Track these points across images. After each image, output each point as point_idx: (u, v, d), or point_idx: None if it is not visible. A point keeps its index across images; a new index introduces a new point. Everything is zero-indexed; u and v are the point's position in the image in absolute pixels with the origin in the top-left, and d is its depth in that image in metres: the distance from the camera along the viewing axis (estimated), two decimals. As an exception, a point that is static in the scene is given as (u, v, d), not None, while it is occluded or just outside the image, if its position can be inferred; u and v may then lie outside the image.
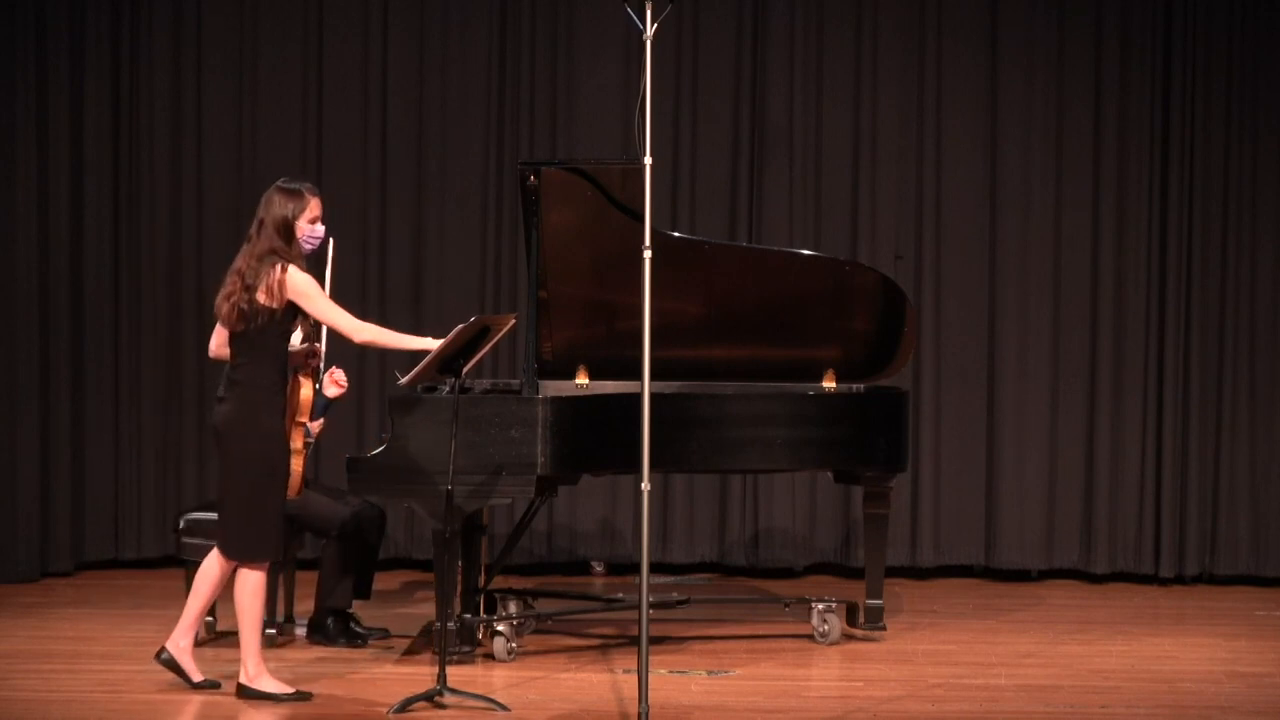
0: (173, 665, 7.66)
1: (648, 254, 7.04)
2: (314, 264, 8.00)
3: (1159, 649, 8.76)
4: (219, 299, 7.49)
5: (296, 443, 7.52)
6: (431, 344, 7.61)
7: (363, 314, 10.24)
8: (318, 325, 7.83)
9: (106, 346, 10.36)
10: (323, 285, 7.86)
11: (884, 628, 8.81)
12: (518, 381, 8.66)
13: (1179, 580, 10.38)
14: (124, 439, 10.40)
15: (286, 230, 7.45)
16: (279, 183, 7.57)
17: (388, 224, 10.52)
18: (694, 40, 10.48)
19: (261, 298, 7.38)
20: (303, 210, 7.49)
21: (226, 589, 7.70)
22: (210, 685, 7.66)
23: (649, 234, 7.03)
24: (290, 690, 7.55)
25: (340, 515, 8.56)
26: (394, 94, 10.49)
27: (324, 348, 7.88)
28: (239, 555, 7.52)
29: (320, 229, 7.57)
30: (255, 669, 7.55)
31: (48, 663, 8.20)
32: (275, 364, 7.48)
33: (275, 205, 7.47)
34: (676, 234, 8.97)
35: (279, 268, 7.39)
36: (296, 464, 7.52)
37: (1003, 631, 9.14)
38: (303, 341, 7.77)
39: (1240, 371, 10.39)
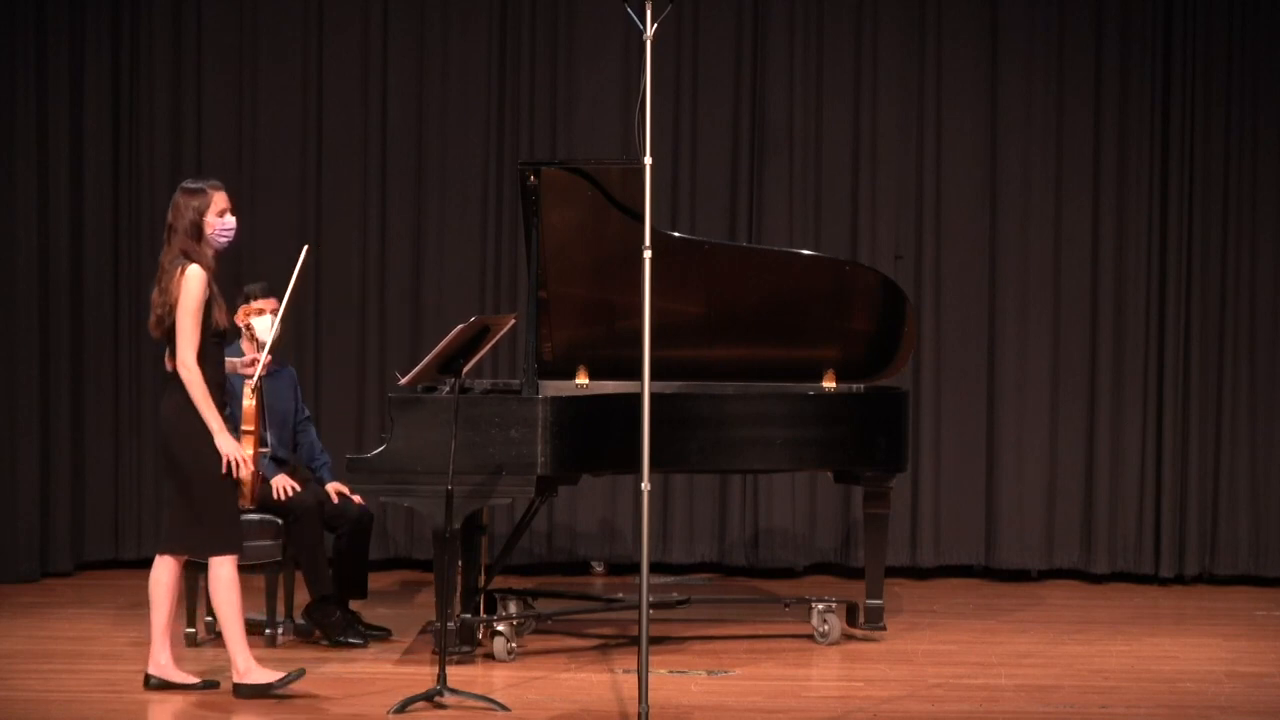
0: (164, 685, 7.63)
1: (648, 254, 7.03)
2: (284, 269, 7.95)
3: (1159, 649, 8.76)
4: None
5: (247, 450, 7.50)
6: (218, 435, 7.40)
7: (362, 314, 10.34)
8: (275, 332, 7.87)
9: (106, 346, 10.35)
10: (285, 290, 7.84)
11: (884, 628, 8.81)
12: (518, 381, 8.65)
13: (1179, 580, 10.38)
14: (124, 439, 10.39)
15: (196, 230, 7.51)
16: (183, 184, 7.63)
17: (387, 224, 10.51)
18: (694, 40, 10.48)
19: (171, 300, 7.44)
20: (208, 206, 7.53)
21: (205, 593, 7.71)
22: (209, 685, 7.66)
23: (649, 234, 7.03)
24: (282, 674, 7.55)
25: (353, 510, 8.59)
26: (394, 94, 10.49)
27: (268, 357, 7.82)
28: (207, 551, 7.51)
29: (231, 221, 7.58)
30: (245, 664, 7.54)
31: (48, 663, 8.19)
32: (206, 363, 7.48)
33: (181, 209, 7.53)
34: (676, 234, 8.96)
35: (180, 269, 7.45)
36: (244, 473, 7.48)
37: (1003, 631, 9.14)
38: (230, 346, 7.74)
39: (1240, 371, 10.38)
